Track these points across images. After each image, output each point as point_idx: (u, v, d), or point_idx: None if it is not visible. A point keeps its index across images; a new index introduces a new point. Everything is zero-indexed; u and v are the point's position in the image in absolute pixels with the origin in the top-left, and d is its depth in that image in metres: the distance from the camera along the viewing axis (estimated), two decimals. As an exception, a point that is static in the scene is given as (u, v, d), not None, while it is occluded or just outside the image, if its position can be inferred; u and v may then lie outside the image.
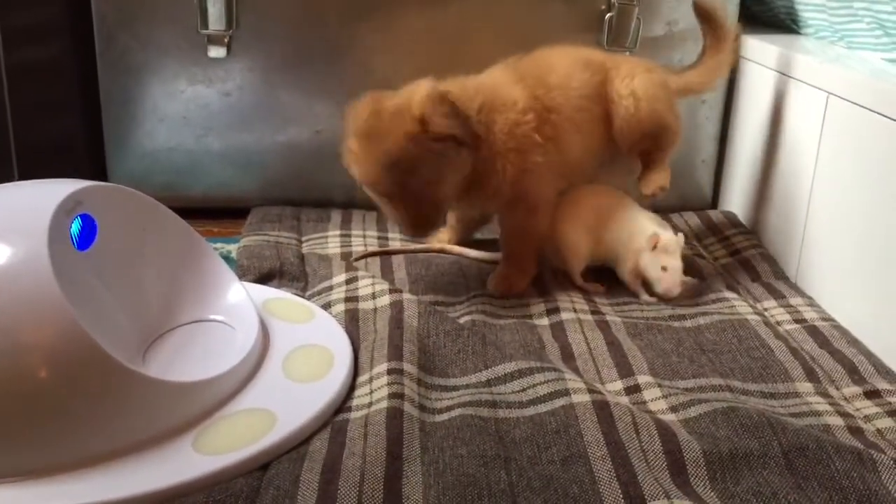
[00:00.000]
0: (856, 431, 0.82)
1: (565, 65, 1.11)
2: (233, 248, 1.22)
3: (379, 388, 0.84)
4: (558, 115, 1.07)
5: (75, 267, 0.80)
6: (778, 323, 1.03)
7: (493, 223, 1.22)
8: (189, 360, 0.86)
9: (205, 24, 1.29)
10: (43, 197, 0.80)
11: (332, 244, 1.23)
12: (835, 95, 1.08)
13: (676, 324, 1.02)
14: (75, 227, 0.82)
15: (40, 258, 0.73)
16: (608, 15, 1.31)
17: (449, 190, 1.02)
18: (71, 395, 0.72)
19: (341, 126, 1.05)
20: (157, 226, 0.91)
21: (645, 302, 1.08)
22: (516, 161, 1.04)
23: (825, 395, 0.88)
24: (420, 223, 1.02)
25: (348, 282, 1.07)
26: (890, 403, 0.86)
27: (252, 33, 1.31)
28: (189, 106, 1.34)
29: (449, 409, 0.83)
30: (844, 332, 1.00)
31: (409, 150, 0.97)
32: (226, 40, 1.31)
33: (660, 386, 0.88)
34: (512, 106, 1.04)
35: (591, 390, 0.83)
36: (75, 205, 0.81)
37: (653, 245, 1.05)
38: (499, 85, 1.07)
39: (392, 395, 0.82)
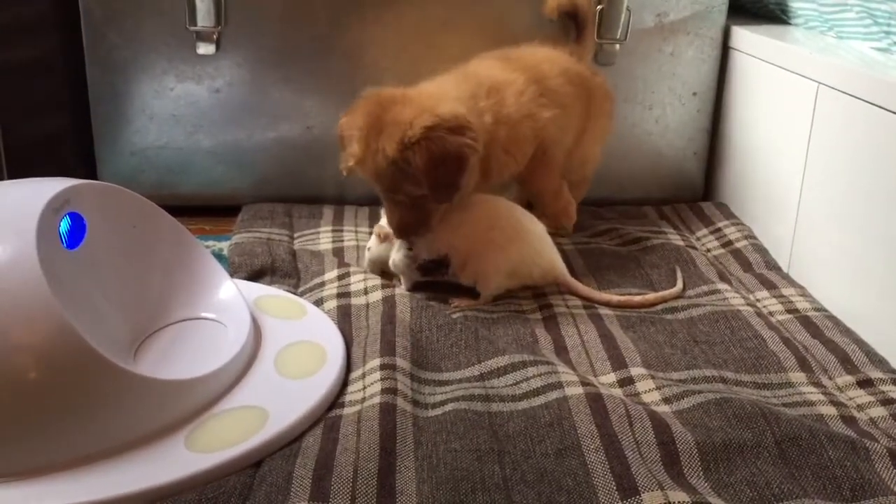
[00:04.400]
0: (849, 420, 0.82)
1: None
2: (224, 246, 1.21)
3: (372, 383, 0.84)
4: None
5: (64, 266, 0.79)
6: (770, 313, 1.03)
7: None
8: (180, 358, 0.85)
9: (193, 21, 1.28)
10: (31, 196, 0.80)
11: (323, 240, 1.23)
12: (825, 85, 1.08)
13: (669, 316, 1.02)
14: (64, 225, 0.82)
15: (29, 257, 0.73)
16: (598, 7, 1.31)
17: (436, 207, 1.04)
18: (62, 394, 0.72)
19: (333, 122, 1.04)
20: (146, 223, 0.91)
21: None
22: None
23: (818, 384, 0.88)
24: (405, 228, 1.04)
25: (340, 278, 1.06)
26: (883, 392, 0.86)
27: (241, 29, 1.30)
28: (178, 103, 1.33)
29: (442, 403, 0.83)
30: (837, 322, 1.00)
31: (401, 162, 0.97)
32: (214, 37, 1.30)
33: (653, 378, 0.88)
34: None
35: (584, 383, 0.83)
36: (63, 203, 0.81)
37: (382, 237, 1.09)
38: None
39: (385, 391, 0.82)
